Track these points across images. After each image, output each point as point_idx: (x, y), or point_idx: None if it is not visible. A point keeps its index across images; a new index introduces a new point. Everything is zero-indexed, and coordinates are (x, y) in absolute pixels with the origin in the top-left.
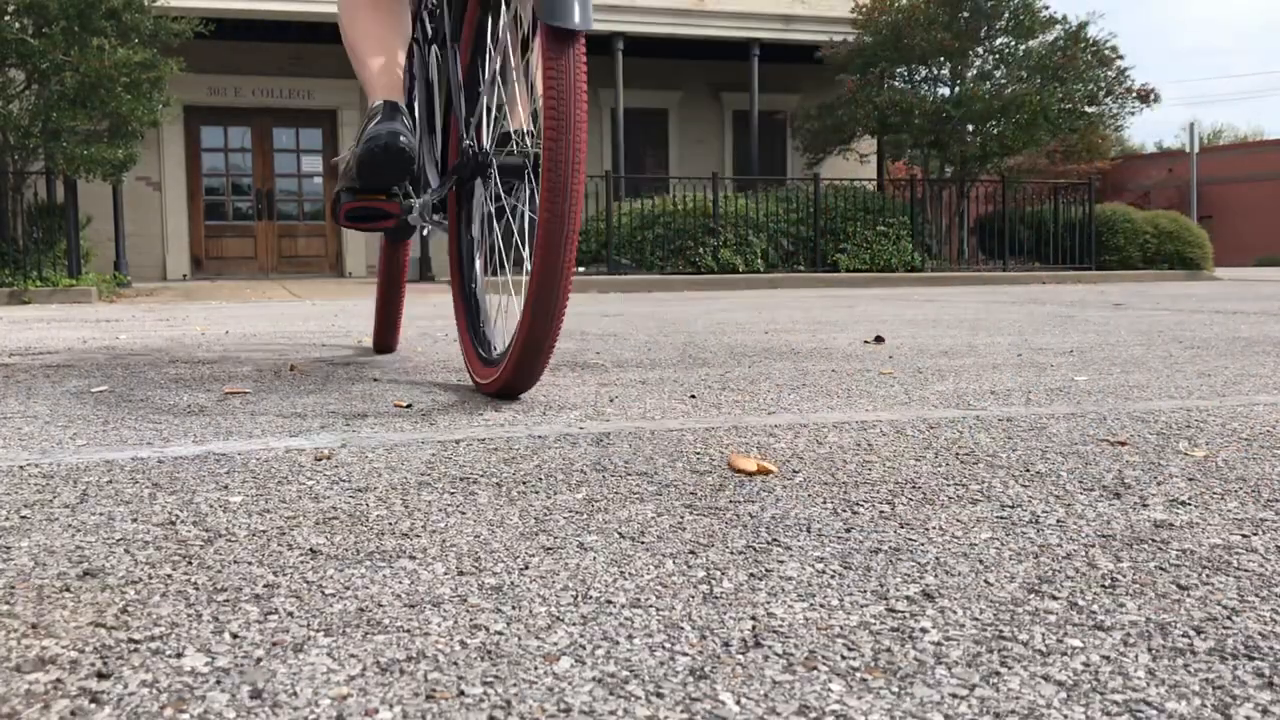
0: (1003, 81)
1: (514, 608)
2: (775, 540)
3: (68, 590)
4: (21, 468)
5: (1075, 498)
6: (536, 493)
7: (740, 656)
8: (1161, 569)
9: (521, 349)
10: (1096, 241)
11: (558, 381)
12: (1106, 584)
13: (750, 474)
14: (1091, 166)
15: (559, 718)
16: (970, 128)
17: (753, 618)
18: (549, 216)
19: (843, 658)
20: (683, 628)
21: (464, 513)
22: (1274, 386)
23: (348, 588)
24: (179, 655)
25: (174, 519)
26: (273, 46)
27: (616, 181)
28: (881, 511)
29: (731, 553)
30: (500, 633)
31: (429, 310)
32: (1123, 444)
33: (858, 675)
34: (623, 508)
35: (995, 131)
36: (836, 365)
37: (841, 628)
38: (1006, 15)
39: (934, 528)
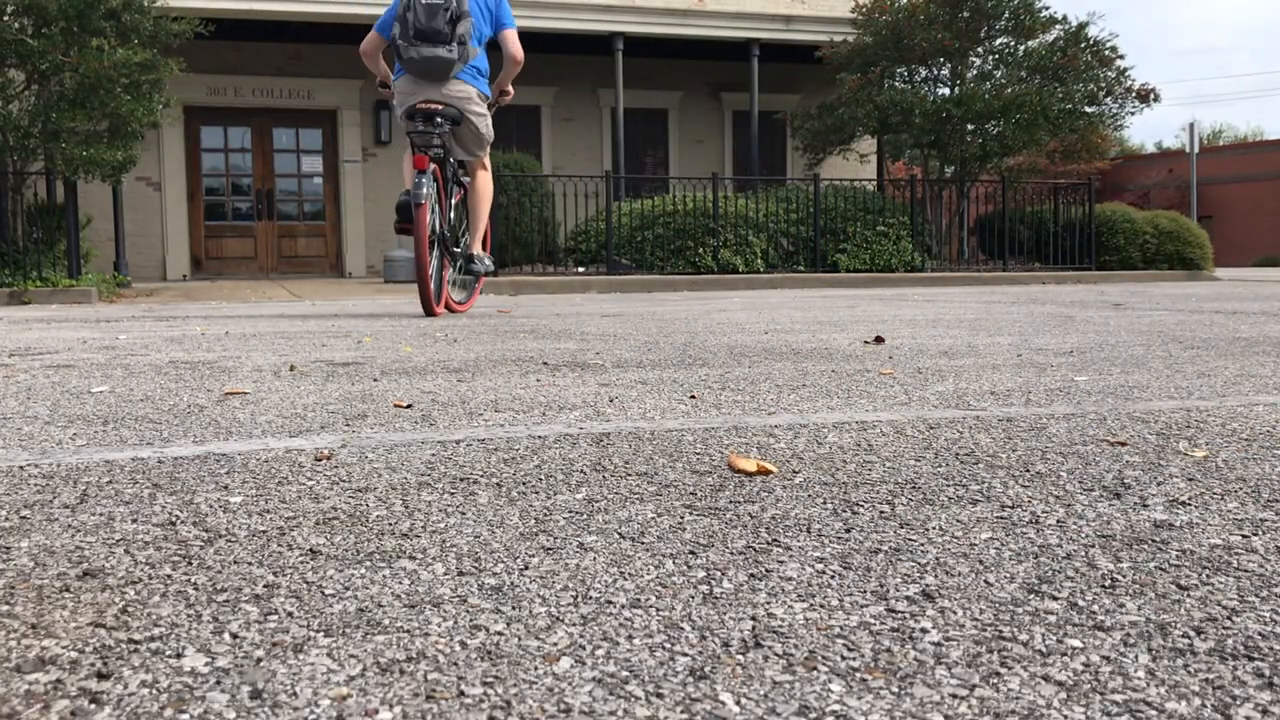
0: (1003, 81)
1: (514, 608)
2: (775, 540)
3: (68, 590)
4: (21, 468)
5: (1075, 498)
6: (536, 493)
7: (740, 656)
8: (1161, 569)
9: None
10: (1096, 241)
11: (557, 381)
12: (1106, 584)
13: (750, 474)
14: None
15: (559, 718)
16: (970, 128)
17: (753, 618)
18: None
19: (843, 658)
20: (683, 628)
21: (464, 513)
22: (1274, 387)
23: (348, 588)
24: (179, 655)
25: (174, 519)
26: (273, 46)
27: (616, 181)
28: (881, 511)
29: (731, 553)
30: (500, 633)
31: None
32: (1123, 444)
33: (858, 675)
34: (623, 508)
35: (995, 131)
36: (836, 365)
37: (841, 628)
38: (1006, 15)
39: (934, 528)
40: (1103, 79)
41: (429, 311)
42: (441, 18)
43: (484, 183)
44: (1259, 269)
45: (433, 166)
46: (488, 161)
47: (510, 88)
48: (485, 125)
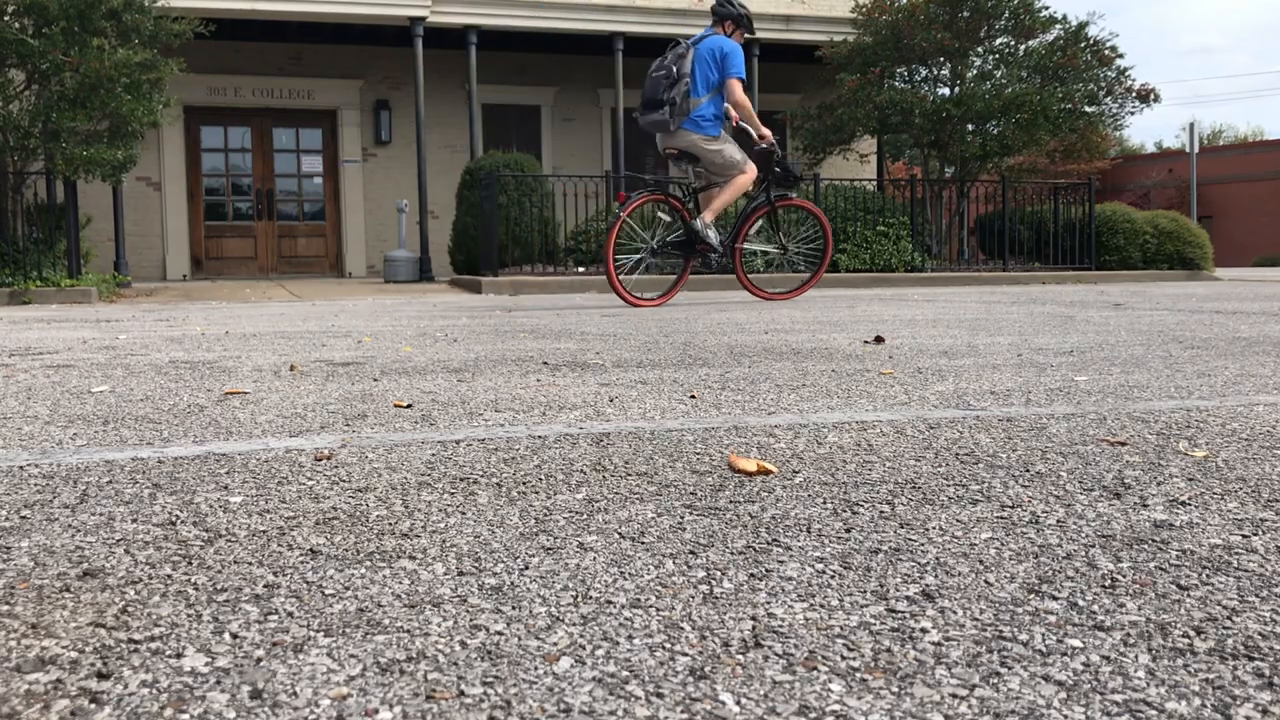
0: (1003, 81)
1: (514, 608)
2: (775, 540)
3: (68, 590)
4: (21, 468)
5: (1075, 498)
6: (536, 493)
7: (740, 656)
8: (1161, 569)
9: None
10: (1096, 241)
11: (558, 381)
12: (1106, 584)
13: (750, 474)
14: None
15: (559, 718)
16: (970, 127)
17: (753, 618)
18: None
19: (843, 658)
20: (683, 628)
21: (464, 513)
22: (1274, 387)
23: (348, 588)
24: (179, 655)
25: (174, 519)
26: (273, 46)
27: (616, 181)
28: (881, 511)
29: (731, 553)
30: (500, 633)
31: (428, 310)
32: (1123, 444)
33: (858, 675)
34: (623, 508)
35: (995, 131)
36: (836, 365)
37: (841, 628)
38: (1006, 15)
39: (934, 528)
40: (1103, 79)
41: (625, 299)
42: (661, 85)
43: (737, 181)
44: (1259, 269)
45: (641, 197)
46: (746, 168)
47: (764, 129)
48: (720, 156)
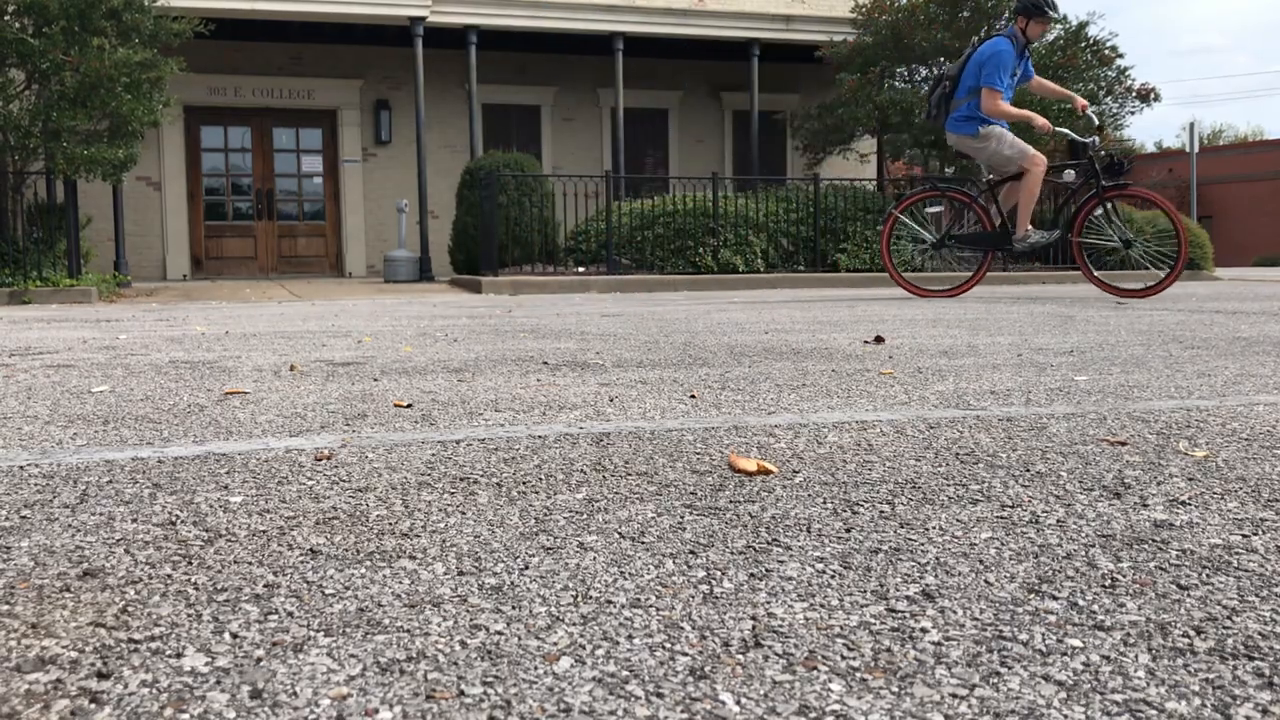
0: None
1: (514, 608)
2: (775, 540)
3: (68, 590)
4: (21, 467)
5: (1075, 498)
6: (536, 493)
7: (740, 656)
8: (1161, 569)
9: None
10: None
11: (558, 381)
12: (1106, 584)
13: (750, 474)
14: None
15: (559, 718)
16: None
17: (753, 618)
18: None
19: (843, 658)
20: (683, 628)
21: (464, 513)
22: (1274, 386)
23: (348, 588)
24: (179, 655)
25: (174, 519)
26: (273, 46)
27: (616, 181)
28: (881, 511)
29: (731, 553)
30: (500, 633)
31: (428, 310)
32: (1123, 444)
33: (858, 675)
34: (623, 508)
35: None
36: (836, 365)
37: (841, 628)
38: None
39: (934, 528)
40: (1103, 78)
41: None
42: (937, 91)
43: (1025, 181)
44: (1259, 269)
45: (915, 194)
46: (1028, 165)
47: (1038, 120)
48: (991, 150)
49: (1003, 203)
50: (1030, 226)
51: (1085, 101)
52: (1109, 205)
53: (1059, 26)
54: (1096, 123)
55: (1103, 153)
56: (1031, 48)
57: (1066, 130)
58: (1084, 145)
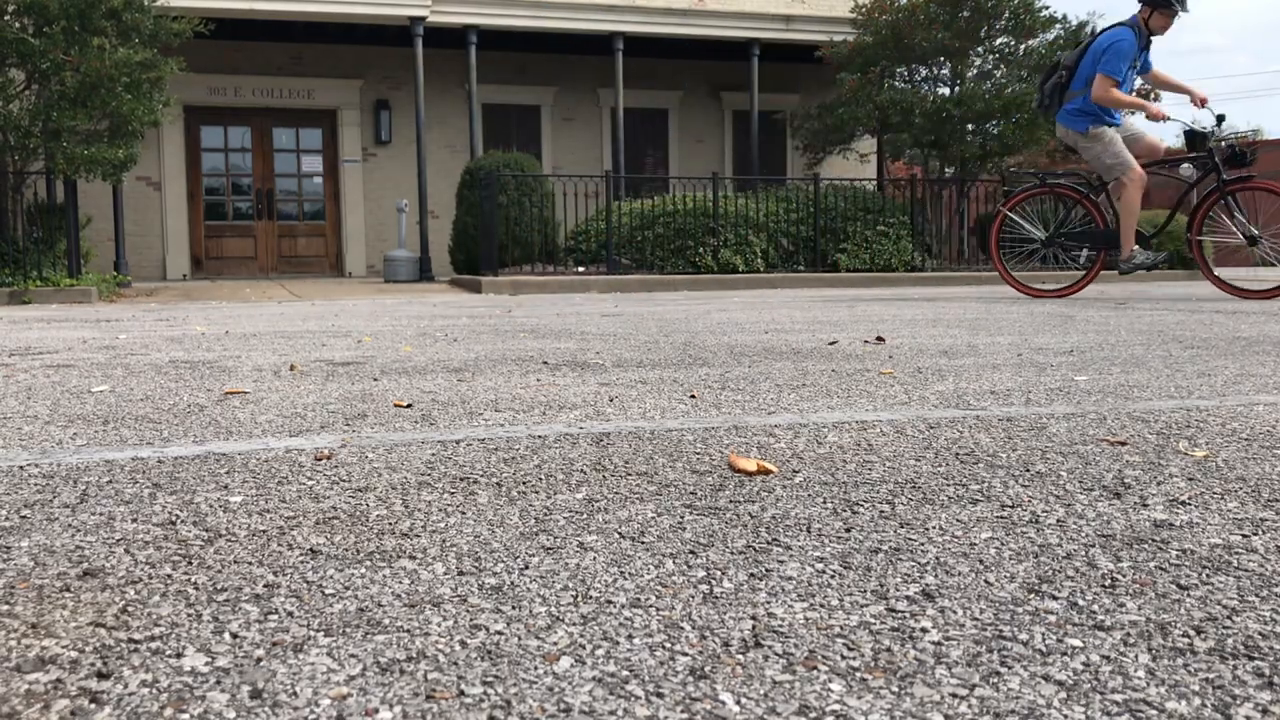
0: (1003, 81)
1: (514, 608)
2: (775, 540)
3: (68, 590)
4: (21, 467)
5: (1075, 498)
6: (536, 493)
7: (740, 656)
8: (1161, 568)
9: None
10: None
11: (558, 381)
12: (1106, 584)
13: (750, 474)
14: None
15: (559, 718)
16: (970, 127)
17: (753, 618)
18: None
19: (843, 658)
20: (683, 628)
21: (464, 513)
22: (1274, 386)
23: (348, 588)
24: (179, 655)
25: (174, 519)
26: (273, 46)
27: (616, 181)
28: (881, 511)
29: (731, 553)
30: (500, 633)
31: (428, 310)
32: (1123, 444)
33: (858, 675)
34: (623, 508)
35: (995, 131)
36: (836, 365)
37: (841, 628)
38: (1007, 15)
39: (934, 528)
40: None
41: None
42: (1051, 79)
43: (1122, 198)
44: (1259, 268)
45: (1023, 192)
46: (1126, 179)
47: (1152, 107)
48: (1095, 152)
49: (1112, 197)
50: (1135, 246)
51: (1205, 94)
52: (1230, 199)
53: (1059, 26)
54: (1216, 116)
55: (1223, 143)
56: (1152, 40)
57: (1184, 120)
58: (1202, 136)
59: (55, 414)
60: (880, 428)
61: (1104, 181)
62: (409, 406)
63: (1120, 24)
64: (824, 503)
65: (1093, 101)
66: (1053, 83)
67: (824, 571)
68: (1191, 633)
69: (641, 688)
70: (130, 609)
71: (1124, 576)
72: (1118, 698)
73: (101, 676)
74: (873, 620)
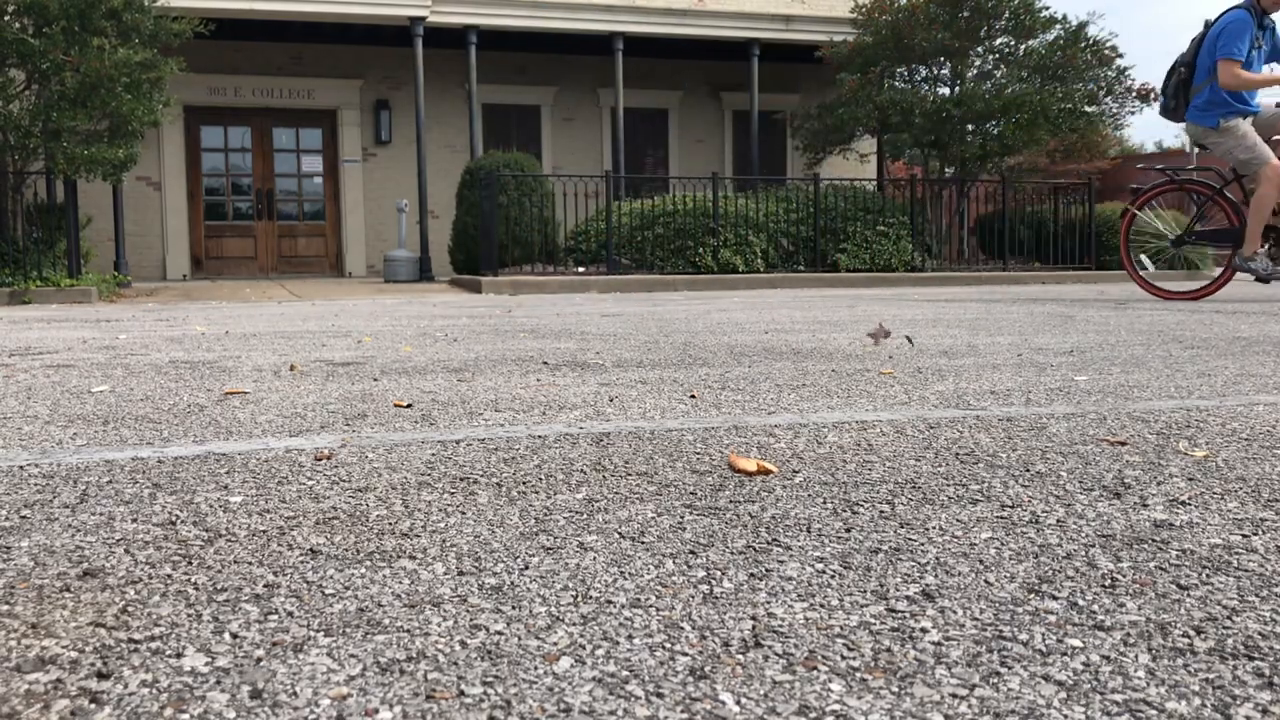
0: (1003, 81)
1: (514, 608)
2: (775, 540)
3: (68, 590)
4: (21, 467)
5: (1075, 498)
6: (536, 493)
7: (740, 656)
8: (1161, 569)
9: None
10: (1096, 241)
11: (558, 381)
12: (1106, 584)
13: (750, 474)
14: (1092, 166)
15: (559, 718)
16: (970, 127)
17: (753, 618)
18: None
19: (843, 658)
20: (683, 628)
21: (464, 513)
22: (1274, 386)
23: (348, 588)
24: (179, 655)
25: (174, 519)
26: (273, 46)
27: (616, 181)
28: (881, 511)
29: (731, 553)
30: (500, 633)
31: (428, 310)
32: (1123, 444)
33: (858, 675)
34: (623, 508)
35: (995, 131)
36: (836, 365)
37: (841, 628)
38: (1007, 15)
39: (934, 528)
40: (1103, 78)
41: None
42: (1172, 80)
43: (1258, 194)
44: None
45: (1152, 190)
46: (1262, 174)
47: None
48: (1226, 148)
49: (1247, 192)
50: (1261, 248)
51: None
52: None
53: (1059, 27)
54: None
55: None
56: (1271, 20)
57: None
58: None
59: (55, 414)
60: (880, 428)
61: (1238, 175)
62: (409, 406)
63: (1231, 8)
64: (824, 503)
65: (1221, 88)
66: (1175, 83)
67: (824, 571)
68: (1191, 633)
69: (641, 688)
70: (130, 609)
71: (1124, 576)
72: (1118, 698)
73: (101, 676)
74: (873, 620)
